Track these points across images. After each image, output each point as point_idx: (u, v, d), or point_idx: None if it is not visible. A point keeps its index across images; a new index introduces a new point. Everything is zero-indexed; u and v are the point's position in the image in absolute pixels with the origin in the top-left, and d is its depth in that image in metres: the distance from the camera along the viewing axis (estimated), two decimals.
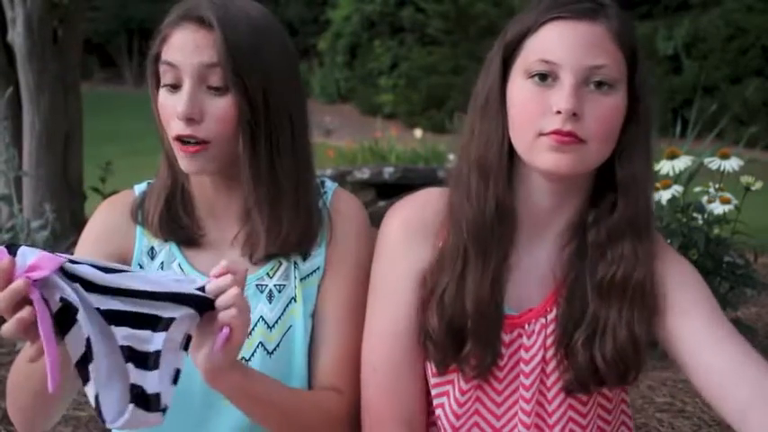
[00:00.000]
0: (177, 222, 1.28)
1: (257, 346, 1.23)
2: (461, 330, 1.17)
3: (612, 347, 1.15)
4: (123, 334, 0.98)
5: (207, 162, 1.20)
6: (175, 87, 1.19)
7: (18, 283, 0.91)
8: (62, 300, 0.93)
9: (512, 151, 1.17)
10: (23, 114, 4.21)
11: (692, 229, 2.65)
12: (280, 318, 1.25)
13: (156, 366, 0.99)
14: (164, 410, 1.00)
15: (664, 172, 2.75)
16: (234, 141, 1.20)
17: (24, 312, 0.92)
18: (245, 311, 1.04)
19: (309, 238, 1.27)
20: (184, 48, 1.19)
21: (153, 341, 0.99)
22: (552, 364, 1.20)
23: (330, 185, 1.34)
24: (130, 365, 0.98)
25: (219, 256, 1.26)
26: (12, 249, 0.94)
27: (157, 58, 1.22)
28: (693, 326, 1.16)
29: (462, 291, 1.16)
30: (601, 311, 1.16)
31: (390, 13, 15.33)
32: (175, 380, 1.01)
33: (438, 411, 1.23)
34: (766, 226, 4.04)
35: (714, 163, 2.80)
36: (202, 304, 1.02)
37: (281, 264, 1.27)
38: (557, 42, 1.12)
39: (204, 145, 1.19)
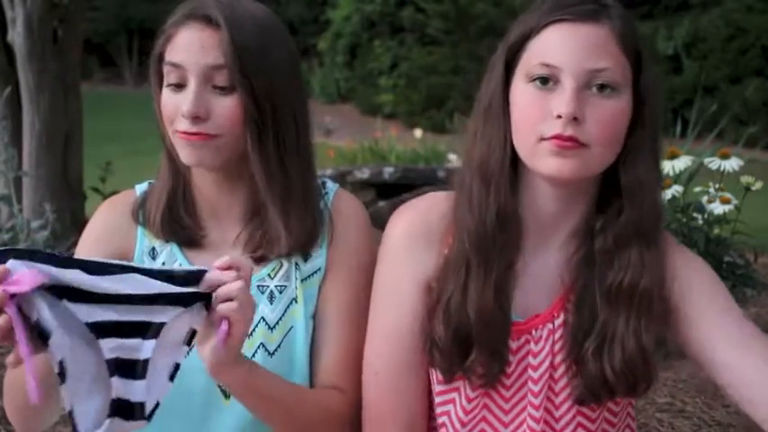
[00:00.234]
0: (179, 222, 1.28)
1: (258, 347, 1.23)
2: (467, 339, 1.15)
3: (621, 358, 1.13)
4: (110, 346, 0.98)
5: (209, 153, 1.20)
6: (180, 86, 1.20)
7: None
8: (36, 322, 0.94)
9: (515, 156, 1.16)
10: (23, 114, 4.21)
11: (692, 229, 2.65)
12: (281, 319, 1.25)
13: (143, 375, 1.00)
14: (149, 416, 1.00)
15: (664, 172, 2.74)
16: (241, 139, 1.20)
17: (1, 320, 0.93)
18: (248, 306, 1.04)
19: (312, 239, 1.27)
20: (190, 47, 1.18)
21: (143, 349, 1.00)
22: (561, 371, 1.19)
23: (331, 186, 1.34)
24: (116, 378, 0.99)
25: (221, 256, 1.26)
26: (3, 257, 0.94)
27: (161, 57, 1.22)
28: (717, 325, 1.16)
29: (466, 300, 1.15)
30: (609, 320, 1.15)
31: (390, 13, 15.33)
32: (173, 375, 1.01)
33: (443, 419, 1.22)
34: (766, 226, 4.04)
35: (714, 163, 2.80)
36: (198, 298, 1.02)
37: (282, 265, 1.27)
38: (558, 45, 1.11)
39: (211, 137, 1.19)
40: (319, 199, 1.30)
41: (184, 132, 1.19)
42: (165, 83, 1.22)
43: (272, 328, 1.24)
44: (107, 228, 1.31)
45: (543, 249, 1.21)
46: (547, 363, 1.18)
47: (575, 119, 1.08)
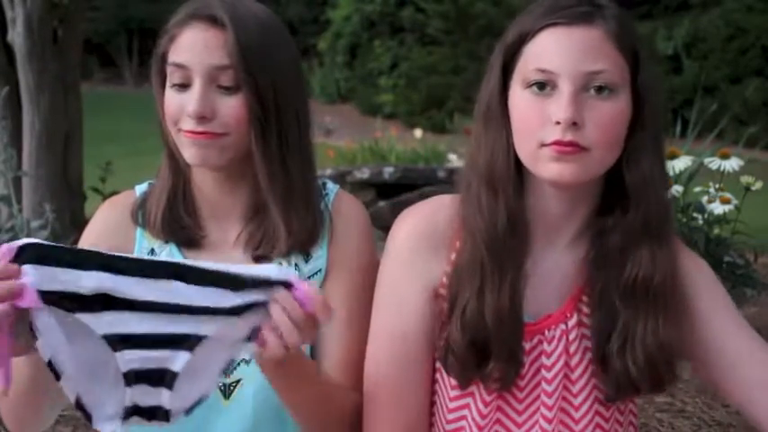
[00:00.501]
0: (178, 223, 1.27)
1: None
2: (485, 345, 1.15)
3: (643, 355, 1.14)
4: (131, 357, 0.97)
5: (214, 152, 1.20)
6: (184, 86, 1.20)
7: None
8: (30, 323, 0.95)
9: (519, 159, 1.16)
10: (23, 114, 4.20)
11: (692, 229, 2.65)
12: None
13: (170, 385, 0.99)
14: (188, 411, 1.01)
15: None
16: (246, 138, 1.20)
17: None
18: (297, 339, 1.00)
19: (312, 239, 1.27)
20: (194, 48, 1.19)
21: (174, 360, 0.98)
22: (579, 371, 1.18)
23: (332, 187, 1.34)
24: (135, 387, 0.98)
25: (221, 256, 1.26)
26: (22, 252, 0.93)
27: (164, 57, 1.22)
28: (724, 325, 1.18)
29: (483, 306, 1.14)
30: (629, 318, 1.15)
31: (390, 13, 15.32)
32: (226, 370, 1.01)
33: (462, 423, 1.21)
34: (766, 226, 4.04)
35: (714, 163, 2.79)
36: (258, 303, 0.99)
37: (281, 266, 1.26)
38: (552, 50, 1.10)
39: (217, 135, 1.19)
40: (320, 200, 1.30)
41: (190, 131, 1.19)
42: (168, 83, 1.22)
43: None
44: (107, 227, 1.31)
45: (551, 250, 1.20)
46: (561, 363, 1.18)
47: (574, 123, 1.08)
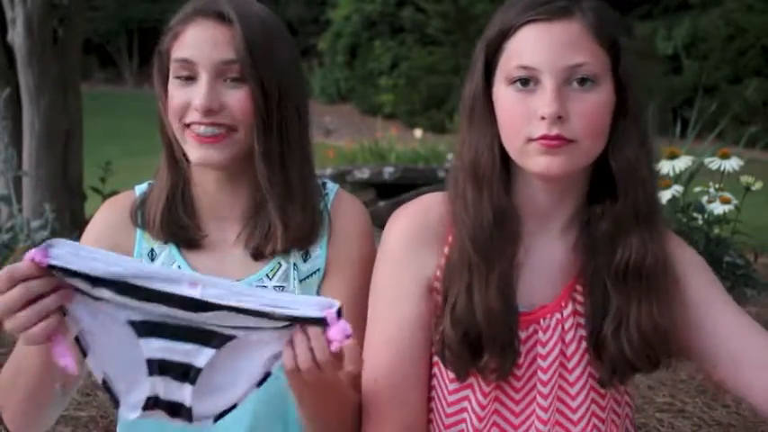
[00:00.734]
0: (178, 223, 1.27)
1: None
2: (477, 339, 1.16)
3: (638, 337, 1.15)
4: (156, 346, 0.97)
5: (217, 152, 1.20)
6: (189, 79, 1.20)
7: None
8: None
9: (506, 154, 1.18)
10: (23, 114, 4.21)
11: (692, 229, 2.66)
12: None
13: (193, 381, 0.98)
14: (218, 418, 1.00)
15: (664, 172, 2.75)
16: (249, 134, 1.21)
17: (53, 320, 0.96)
18: (316, 375, 0.99)
19: (310, 236, 1.27)
20: (201, 43, 1.20)
21: (198, 355, 0.98)
22: (575, 360, 1.20)
23: (332, 187, 1.34)
24: (158, 378, 0.98)
25: (220, 256, 1.26)
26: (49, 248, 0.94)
27: (167, 54, 1.23)
28: (719, 308, 1.19)
29: (472, 301, 1.16)
30: (622, 302, 1.17)
31: (390, 13, 15.33)
32: (261, 383, 1.00)
33: (463, 416, 1.21)
34: (766, 226, 4.04)
35: (714, 163, 2.80)
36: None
37: (280, 265, 1.26)
38: (533, 46, 1.12)
39: (226, 134, 1.20)
40: (319, 200, 1.30)
41: (198, 135, 1.19)
42: (172, 77, 1.22)
43: None
44: (107, 228, 1.31)
45: (543, 241, 1.22)
46: (556, 352, 1.19)
47: (559, 117, 1.10)
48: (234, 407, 1.01)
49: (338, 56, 15.99)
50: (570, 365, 1.20)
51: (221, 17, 1.20)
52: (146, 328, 0.97)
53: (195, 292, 0.94)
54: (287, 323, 0.97)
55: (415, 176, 5.94)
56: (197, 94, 1.19)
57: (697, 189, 2.83)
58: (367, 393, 1.22)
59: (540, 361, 1.20)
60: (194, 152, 1.21)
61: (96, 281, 0.94)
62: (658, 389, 2.50)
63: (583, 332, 1.20)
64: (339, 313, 0.96)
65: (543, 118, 1.10)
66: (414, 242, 1.22)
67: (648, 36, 12.70)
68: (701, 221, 2.73)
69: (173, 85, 1.22)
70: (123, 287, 0.94)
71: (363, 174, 6.02)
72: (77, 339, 0.97)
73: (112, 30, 18.29)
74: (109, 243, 1.27)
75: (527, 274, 1.20)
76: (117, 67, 18.85)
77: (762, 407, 1.16)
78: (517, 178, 1.20)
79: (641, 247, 1.16)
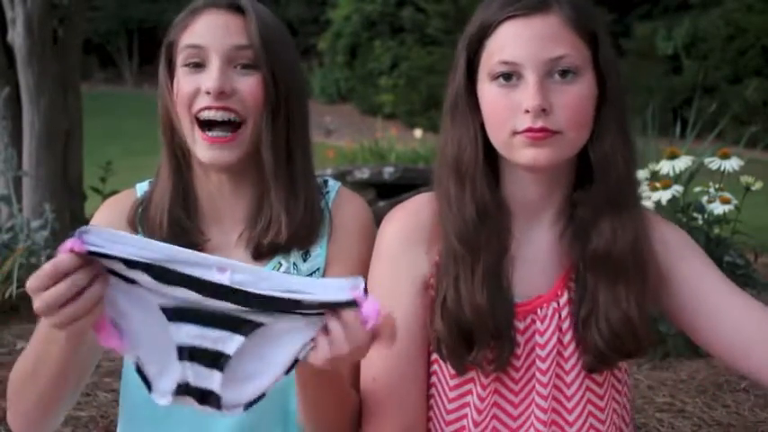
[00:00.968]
0: (180, 226, 1.27)
1: None
2: (469, 331, 1.17)
3: (607, 326, 1.16)
4: (186, 331, 0.97)
5: (226, 152, 1.21)
6: (198, 66, 1.21)
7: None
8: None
9: (490, 149, 1.19)
10: (23, 114, 4.21)
11: (692, 229, 2.66)
12: None
13: (221, 368, 0.98)
14: (247, 406, 1.00)
15: (664, 172, 2.75)
16: (257, 127, 1.22)
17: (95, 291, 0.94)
18: (348, 357, 0.98)
19: (311, 234, 1.27)
20: (212, 29, 1.21)
21: (228, 342, 0.97)
22: (570, 349, 1.20)
23: (333, 185, 1.35)
24: (188, 364, 0.98)
25: (220, 256, 1.26)
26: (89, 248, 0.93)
27: (175, 45, 1.24)
28: (709, 287, 1.20)
29: (460, 296, 1.17)
30: (594, 290, 1.18)
31: (390, 13, 15.32)
32: (289, 370, 0.99)
33: (465, 411, 1.22)
34: (766, 226, 4.04)
35: (714, 163, 2.80)
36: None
37: (280, 264, 1.27)
38: (513, 42, 1.14)
39: (236, 132, 1.20)
40: (320, 198, 1.30)
41: (207, 108, 1.19)
42: (180, 64, 1.23)
43: None
44: (108, 226, 1.30)
45: (535, 231, 1.23)
46: (554, 340, 1.20)
47: (543, 110, 1.12)
48: (263, 396, 1.00)
49: (338, 56, 15.98)
50: (566, 354, 1.21)
51: (233, 7, 1.22)
52: (177, 314, 0.97)
53: (224, 278, 0.95)
54: (317, 311, 0.96)
55: (414, 176, 5.93)
56: (208, 77, 1.20)
57: (697, 189, 2.83)
58: (365, 393, 1.22)
59: (538, 350, 1.20)
60: (205, 153, 1.21)
61: (131, 263, 0.94)
62: (658, 389, 2.51)
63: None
64: (365, 290, 0.96)
65: (527, 111, 1.12)
66: (408, 242, 1.23)
67: (648, 36, 12.70)
68: (701, 221, 2.73)
69: (181, 72, 1.22)
70: (157, 271, 0.94)
71: (363, 174, 6.02)
72: (112, 322, 0.97)
73: (112, 30, 18.28)
74: None
75: (522, 266, 1.21)
76: (117, 67, 18.85)
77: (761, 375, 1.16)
78: (505, 172, 1.22)
79: (611, 234, 1.18)
